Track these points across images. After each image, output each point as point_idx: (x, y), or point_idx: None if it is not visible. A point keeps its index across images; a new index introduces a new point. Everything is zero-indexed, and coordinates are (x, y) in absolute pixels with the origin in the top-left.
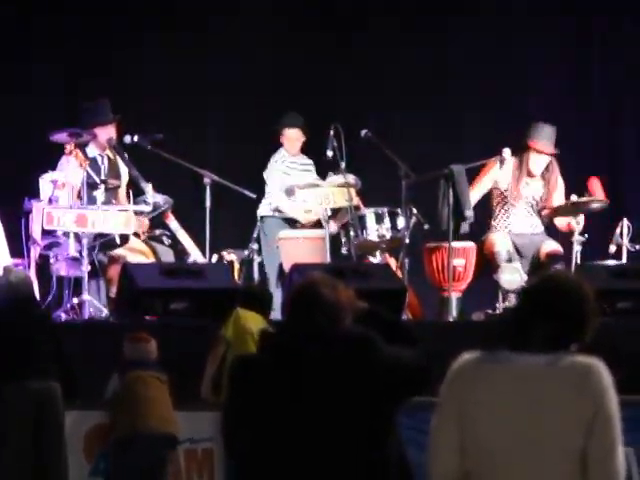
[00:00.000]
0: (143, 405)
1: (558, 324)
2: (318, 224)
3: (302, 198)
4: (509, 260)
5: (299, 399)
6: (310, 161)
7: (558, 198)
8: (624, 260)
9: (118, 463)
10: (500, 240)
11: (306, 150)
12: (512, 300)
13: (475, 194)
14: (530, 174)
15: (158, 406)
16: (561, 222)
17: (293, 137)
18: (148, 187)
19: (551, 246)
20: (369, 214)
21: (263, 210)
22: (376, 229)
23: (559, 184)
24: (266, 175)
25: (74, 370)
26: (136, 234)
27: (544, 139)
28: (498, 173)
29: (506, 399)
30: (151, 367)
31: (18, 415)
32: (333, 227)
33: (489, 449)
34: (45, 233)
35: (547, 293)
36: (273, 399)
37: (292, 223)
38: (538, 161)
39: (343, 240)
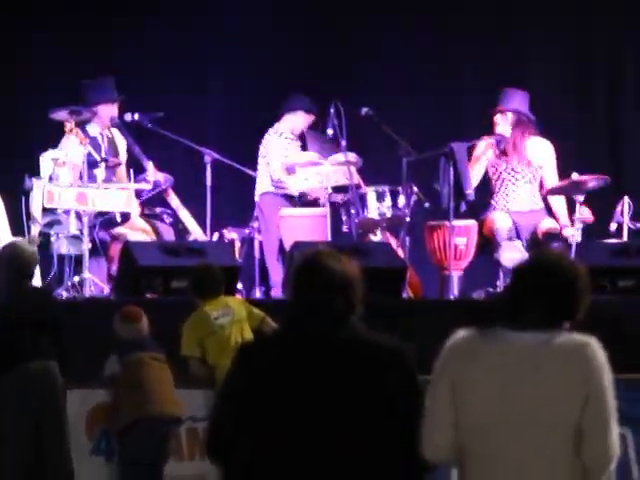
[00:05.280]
0: (147, 389)
1: (550, 302)
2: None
3: (303, 176)
4: (509, 239)
5: (314, 391)
6: (298, 139)
7: (550, 175)
8: (625, 238)
9: (124, 448)
10: (500, 218)
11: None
12: None
13: (474, 173)
14: (502, 138)
15: (162, 388)
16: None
17: (309, 121)
18: (149, 165)
19: (548, 224)
20: (370, 192)
21: (261, 186)
22: (377, 207)
23: (547, 161)
24: (264, 149)
25: (68, 350)
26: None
27: (504, 99)
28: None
29: (499, 376)
30: (148, 346)
31: (19, 397)
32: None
33: (482, 425)
34: (46, 211)
35: (538, 271)
36: (277, 392)
37: (290, 200)
38: (501, 120)
39: (344, 218)
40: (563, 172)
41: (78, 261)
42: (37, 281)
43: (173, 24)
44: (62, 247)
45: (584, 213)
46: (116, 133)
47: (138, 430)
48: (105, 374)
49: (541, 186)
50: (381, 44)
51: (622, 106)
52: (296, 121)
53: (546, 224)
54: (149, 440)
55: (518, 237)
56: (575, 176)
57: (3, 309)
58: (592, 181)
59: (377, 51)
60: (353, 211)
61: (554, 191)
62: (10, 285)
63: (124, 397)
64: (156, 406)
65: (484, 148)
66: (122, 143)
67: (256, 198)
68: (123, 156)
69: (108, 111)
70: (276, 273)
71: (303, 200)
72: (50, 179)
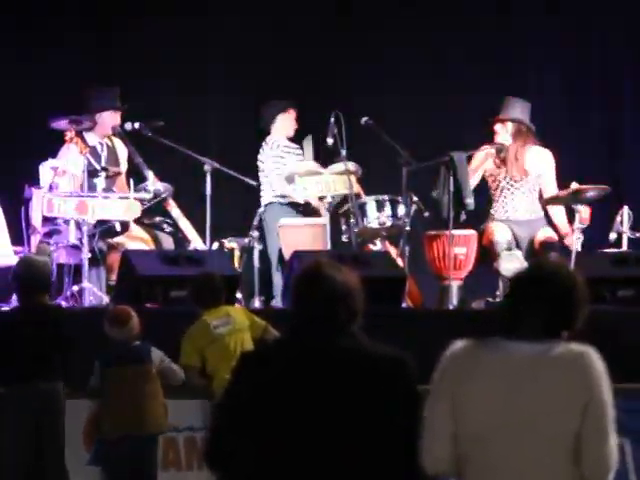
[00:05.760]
0: (129, 407)
1: (548, 311)
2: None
3: (302, 185)
4: (509, 249)
5: (315, 401)
6: (297, 145)
7: (550, 184)
8: (625, 248)
9: (111, 459)
10: (499, 230)
11: (301, 136)
12: None
13: (471, 182)
14: (502, 147)
15: (143, 404)
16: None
17: (293, 117)
18: (149, 174)
19: (546, 234)
20: (370, 202)
21: (265, 198)
22: (377, 217)
23: (546, 170)
24: (262, 163)
25: (69, 364)
26: (135, 220)
27: (504, 108)
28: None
29: (498, 386)
30: (134, 355)
31: (22, 416)
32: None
33: (482, 435)
34: (45, 220)
35: (536, 281)
36: (277, 402)
37: (294, 209)
38: (501, 129)
39: (344, 228)
40: (562, 180)
41: (77, 271)
42: None
43: (173, 24)
44: (61, 256)
45: (583, 214)
46: (117, 142)
47: (123, 446)
48: (91, 383)
49: (540, 195)
50: (381, 45)
51: (621, 110)
52: (282, 126)
53: (544, 233)
54: (131, 457)
55: (517, 247)
56: (574, 185)
57: (13, 323)
58: (592, 191)
59: (377, 52)
60: (353, 220)
61: (553, 200)
62: (21, 300)
63: (107, 411)
64: (136, 425)
65: (483, 157)
66: (123, 152)
67: (261, 209)
68: (124, 165)
69: (111, 119)
70: (280, 282)
71: (305, 209)
72: (50, 188)
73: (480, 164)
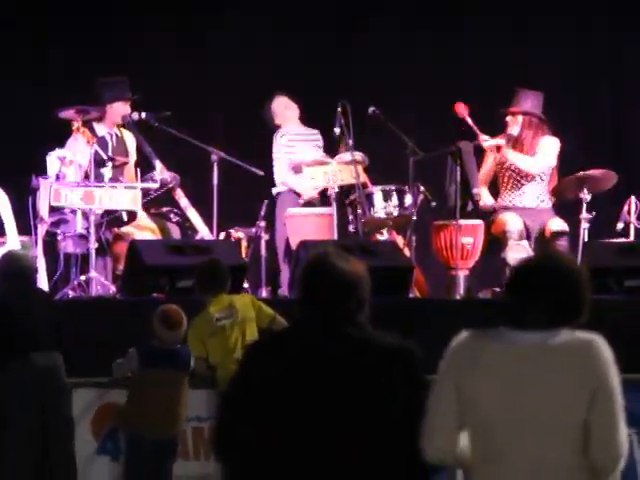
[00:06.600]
0: (163, 411)
1: (552, 302)
2: (323, 201)
3: (309, 175)
4: (520, 239)
5: (323, 390)
6: (316, 131)
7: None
8: (632, 238)
9: (131, 456)
10: (512, 220)
11: (312, 124)
12: None
13: (482, 174)
14: (510, 137)
15: (177, 409)
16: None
17: (283, 102)
18: (158, 164)
19: (556, 223)
20: (376, 192)
21: (275, 188)
22: (383, 207)
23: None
24: (274, 153)
25: (69, 349)
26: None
27: (515, 100)
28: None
29: (505, 376)
30: (172, 361)
31: (24, 392)
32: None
33: (488, 425)
34: (52, 210)
35: (541, 271)
36: (285, 392)
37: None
38: (512, 122)
39: (350, 218)
40: (570, 169)
41: (84, 260)
42: (44, 280)
43: (173, 23)
44: (68, 246)
45: None
46: (126, 132)
47: (152, 446)
48: (121, 368)
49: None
50: (380, 42)
51: (625, 105)
52: (281, 115)
53: (554, 223)
54: (159, 454)
55: (527, 236)
56: (581, 174)
57: (5, 307)
58: (600, 180)
59: (383, 48)
60: (360, 210)
61: (561, 187)
62: (10, 290)
63: (140, 411)
64: (166, 429)
65: (489, 153)
66: (132, 142)
67: (274, 194)
68: (133, 155)
69: (122, 109)
70: (287, 272)
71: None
72: (57, 178)
73: (487, 159)
